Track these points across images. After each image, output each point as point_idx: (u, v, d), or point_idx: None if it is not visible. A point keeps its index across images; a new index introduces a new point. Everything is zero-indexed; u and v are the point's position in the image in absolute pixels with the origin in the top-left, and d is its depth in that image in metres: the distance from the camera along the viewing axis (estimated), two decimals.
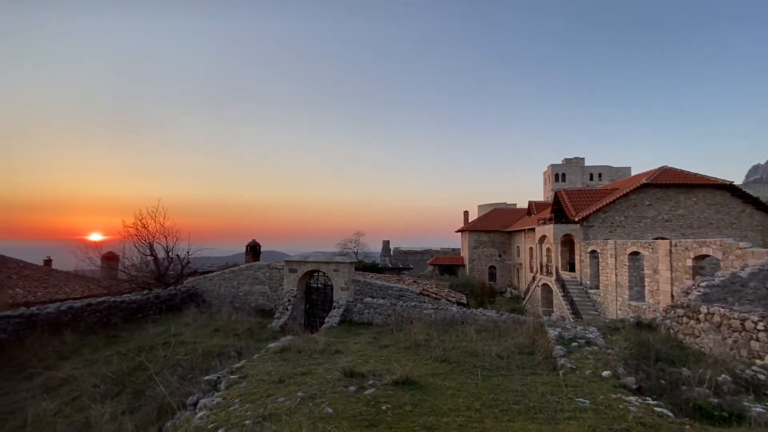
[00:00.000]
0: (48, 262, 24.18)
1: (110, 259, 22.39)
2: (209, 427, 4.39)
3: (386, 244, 40.32)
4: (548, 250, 24.42)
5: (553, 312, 20.40)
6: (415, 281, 14.14)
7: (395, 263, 36.23)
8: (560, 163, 63.69)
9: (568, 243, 23.40)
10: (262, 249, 19.58)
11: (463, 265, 37.31)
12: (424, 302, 10.96)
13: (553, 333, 7.58)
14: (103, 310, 12.24)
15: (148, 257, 18.47)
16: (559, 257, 22.82)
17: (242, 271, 14.76)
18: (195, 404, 5.83)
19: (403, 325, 9.89)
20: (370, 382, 5.75)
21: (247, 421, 4.40)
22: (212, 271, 18.42)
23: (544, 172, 66.99)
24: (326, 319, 11.48)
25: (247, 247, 19.20)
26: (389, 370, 6.25)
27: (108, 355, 9.43)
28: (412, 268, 35.84)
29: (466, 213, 40.21)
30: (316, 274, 13.07)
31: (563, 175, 61.98)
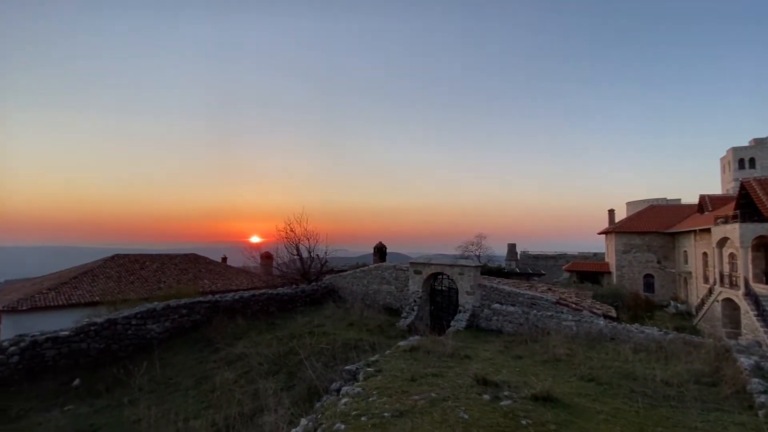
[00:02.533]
0: (224, 259, 29.90)
1: (267, 257, 26.58)
2: (353, 413, 4.75)
3: (512, 247, 37.74)
4: (732, 256, 19.46)
5: (741, 335, 16.13)
6: (549, 289, 12.91)
7: (523, 268, 33.71)
8: (747, 145, 48.87)
9: (761, 247, 18.24)
10: (387, 251, 20.62)
11: (609, 273, 32.40)
12: (562, 312, 9.88)
13: (746, 362, 5.97)
14: (264, 301, 14.54)
15: (295, 257, 21.30)
16: (750, 265, 17.93)
17: (371, 271, 15.76)
18: (338, 390, 6.42)
19: (538, 336, 9.14)
20: (506, 393, 5.45)
21: (385, 414, 4.63)
22: (345, 270, 20.20)
23: (722, 158, 52.40)
24: (452, 323, 11.37)
25: (374, 248, 20.49)
26: (526, 383, 5.83)
27: (268, 338, 11.14)
28: (544, 274, 32.79)
29: (611, 212, 34.74)
30: (440, 276, 13.10)
31: (751, 160, 47.39)
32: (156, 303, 12.54)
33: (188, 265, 24.91)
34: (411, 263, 13.38)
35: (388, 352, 7.96)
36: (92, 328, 10.46)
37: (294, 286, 17.54)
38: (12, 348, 9.15)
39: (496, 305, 11.00)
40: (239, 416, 6.68)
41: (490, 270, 24.11)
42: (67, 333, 9.97)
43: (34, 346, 9.42)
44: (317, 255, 21.23)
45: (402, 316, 12.73)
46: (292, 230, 21.09)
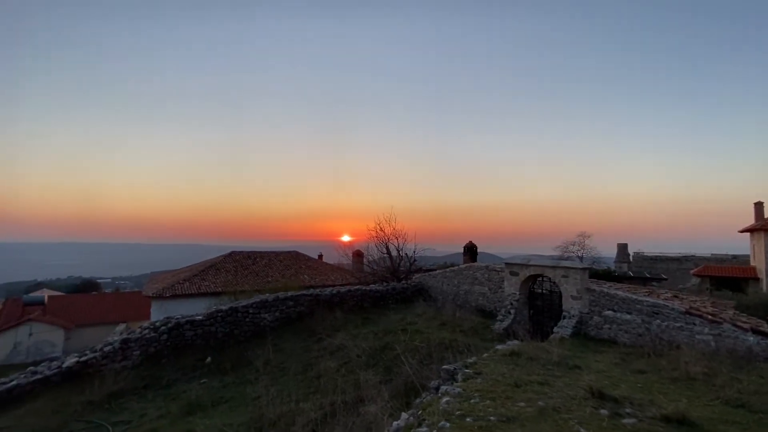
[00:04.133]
0: (320, 256, 32.12)
1: (358, 255, 27.86)
2: (456, 413, 4.70)
3: (623, 247, 33.26)
4: None
5: None
6: (675, 296, 11.17)
7: (638, 271, 29.56)
8: None
9: None
10: (477, 250, 20.02)
11: (756, 279, 26.68)
12: (695, 324, 8.44)
13: None
14: (358, 296, 15.25)
15: (384, 255, 21.92)
16: None
17: (462, 271, 15.43)
18: (436, 389, 6.43)
19: (663, 350, 7.98)
20: (627, 411, 4.87)
21: (491, 417, 4.49)
22: (434, 270, 20.12)
23: None
24: (554, 329, 10.54)
25: (464, 248, 20.05)
26: (653, 402, 5.15)
27: (365, 332, 11.64)
28: (665, 279, 28.38)
29: (758, 205, 28.23)
30: (539, 278, 12.25)
31: None
32: (267, 295, 14.02)
33: (290, 261, 27.30)
34: (506, 264, 12.76)
35: (485, 355, 7.73)
36: (219, 314, 12.13)
37: (384, 283, 18.03)
38: (162, 328, 11.09)
39: (609, 312, 9.88)
40: (343, 403, 7.08)
41: (596, 273, 21.67)
42: (201, 317, 11.74)
43: (178, 327, 11.28)
44: (406, 254, 21.52)
45: (497, 318, 12.22)
46: (381, 229, 21.76)
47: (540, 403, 5.03)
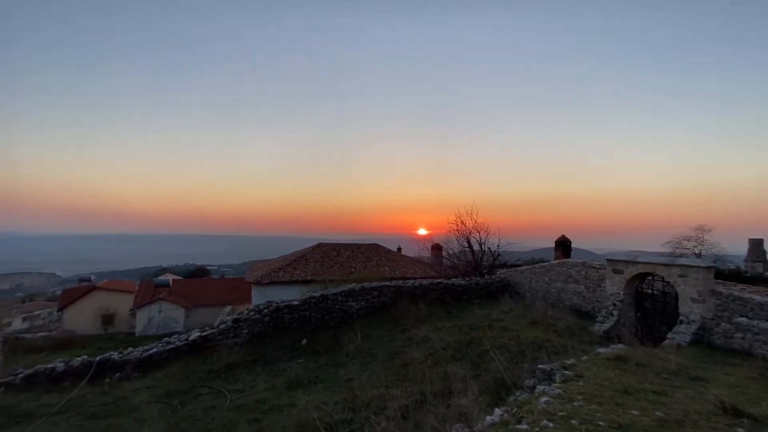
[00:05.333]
0: (399, 249, 32.64)
1: (437, 249, 27.70)
2: (559, 414, 4.47)
3: (756, 244, 27.67)
4: None
5: None
6: None
7: None
8: None
9: None
10: (571, 246, 18.49)
11: None
12: None
13: None
14: (440, 290, 15.21)
15: (466, 249, 21.48)
16: None
17: (553, 268, 14.44)
18: (532, 388, 6.16)
19: None
20: None
21: (600, 422, 4.19)
22: (519, 265, 19.14)
23: None
24: (668, 335, 9.33)
25: (556, 243, 18.69)
26: None
27: (449, 326, 11.59)
28: None
29: None
30: (649, 278, 10.92)
31: None
32: (353, 284, 14.71)
33: (371, 253, 28.20)
34: (608, 260, 11.59)
35: (585, 357, 7.20)
36: (312, 300, 13.09)
37: (466, 278, 17.70)
38: (265, 310, 12.35)
39: (742, 319, 8.41)
40: (432, 393, 7.16)
41: (722, 273, 18.47)
42: (297, 303, 12.81)
43: (278, 311, 12.46)
44: (489, 248, 20.85)
45: (597, 320, 11.21)
46: (462, 223, 21.34)
47: (658, 413, 4.55)
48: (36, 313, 51.01)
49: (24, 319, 47.59)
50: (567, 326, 10.95)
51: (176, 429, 7.18)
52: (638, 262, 10.72)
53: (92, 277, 50.15)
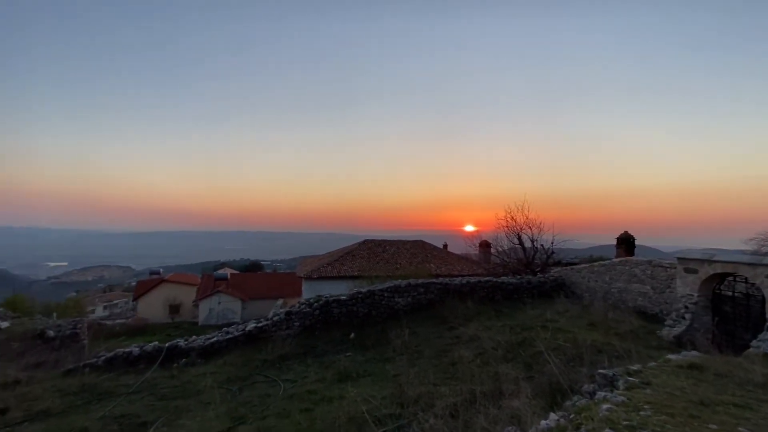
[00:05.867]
0: (445, 246, 32.20)
1: (485, 246, 26.95)
2: (623, 423, 4.15)
3: None
4: None
5: None
6: None
7: None
8: None
9: None
10: (635, 242, 17.07)
11: None
12: None
13: None
14: (489, 288, 14.79)
15: (516, 246, 20.68)
16: None
17: (615, 266, 13.45)
18: (591, 393, 5.78)
19: None
20: None
21: None
22: (576, 263, 18.06)
23: None
24: (753, 343, 8.31)
25: (617, 239, 17.40)
26: None
27: (499, 325, 11.24)
28: None
29: None
30: (729, 278, 9.81)
31: None
32: (399, 281, 14.74)
33: (417, 250, 28.10)
34: (680, 259, 10.57)
35: (653, 364, 6.62)
36: (359, 295, 13.31)
37: (517, 276, 17.04)
38: (315, 304, 12.76)
39: None
40: (482, 393, 6.98)
41: None
42: (345, 297, 13.09)
43: (327, 305, 12.81)
44: (541, 245, 19.89)
45: (665, 323, 10.29)
46: (512, 219, 20.56)
47: (741, 429, 4.06)
48: (115, 302, 56.88)
49: (105, 308, 53.26)
50: (630, 329, 10.17)
51: (236, 413, 7.63)
52: (716, 261, 9.65)
53: (161, 270, 54.87)
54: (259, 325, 12.14)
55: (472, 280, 15.09)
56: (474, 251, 28.17)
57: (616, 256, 16.15)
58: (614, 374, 6.02)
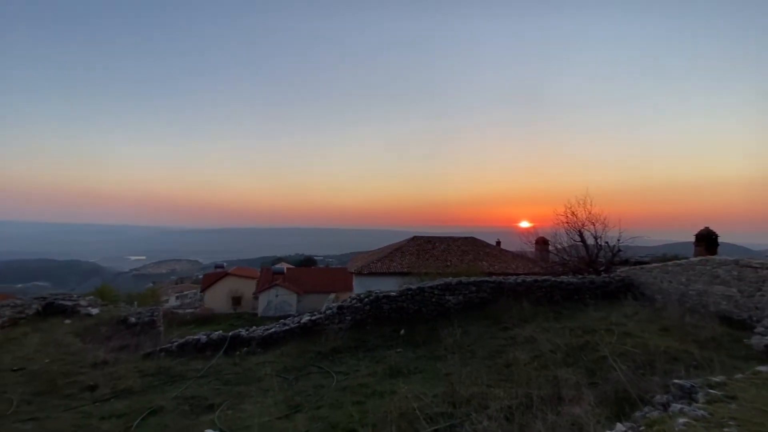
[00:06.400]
0: (498, 243, 31.12)
1: (542, 243, 25.66)
2: None
3: None
4: None
5: None
6: None
7: None
8: None
9: None
10: (718, 240, 15.21)
11: None
12: None
13: None
14: (547, 288, 14.04)
15: (577, 243, 19.41)
16: None
17: (693, 266, 12.11)
18: (664, 405, 5.29)
19: None
20: None
21: None
22: (646, 262, 16.56)
23: None
24: None
25: (697, 236, 15.64)
26: None
27: (558, 327, 10.63)
28: None
29: None
30: None
31: None
32: (451, 278, 14.49)
33: (468, 247, 27.46)
34: None
35: (740, 376, 5.89)
36: (409, 292, 13.29)
37: (579, 275, 16.01)
38: (365, 299, 12.96)
39: None
40: (539, 398, 6.65)
41: None
42: (395, 293, 13.15)
43: (377, 300, 12.96)
44: (606, 242, 18.48)
45: (756, 331, 9.07)
46: (573, 214, 19.31)
47: None
48: (185, 293, 62.17)
49: (177, 298, 58.38)
50: (712, 336, 9.14)
51: (292, 401, 7.98)
52: None
53: (224, 264, 58.97)
54: (313, 318, 12.58)
55: (528, 278, 14.42)
56: (530, 249, 26.93)
57: (695, 255, 14.50)
58: (693, 385, 5.45)
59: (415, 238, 28.30)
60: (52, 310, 15.54)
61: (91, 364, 10.50)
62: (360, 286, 21.40)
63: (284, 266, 48.27)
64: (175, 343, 11.90)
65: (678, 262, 12.97)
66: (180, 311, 37.92)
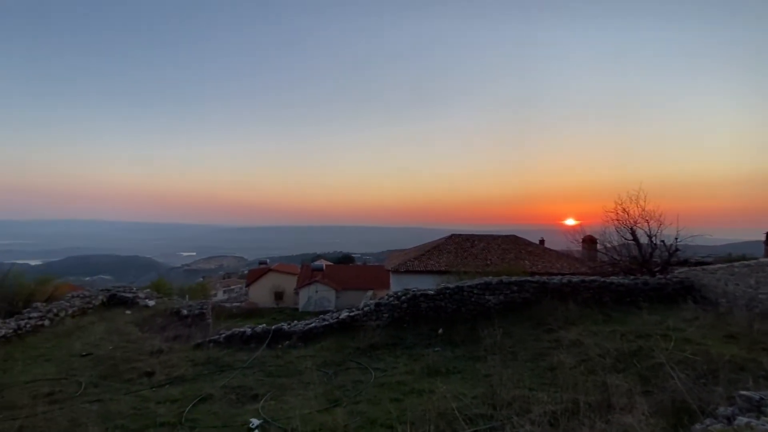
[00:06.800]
0: (542, 241, 29.93)
1: (590, 241, 24.33)
2: None
3: None
4: None
5: None
6: None
7: None
8: None
9: None
10: None
11: None
12: None
13: None
14: (595, 288, 13.31)
15: (629, 242, 18.21)
16: None
17: (763, 267, 10.96)
18: (728, 418, 4.84)
19: None
20: None
21: None
22: (709, 263, 15.23)
23: None
24: None
25: (767, 235, 14.18)
26: None
27: (607, 331, 10.05)
28: None
29: None
30: None
31: None
32: (491, 277, 14.12)
33: (509, 245, 26.64)
34: None
35: None
36: (447, 291, 13.12)
37: (630, 276, 15.02)
38: (403, 297, 12.95)
39: None
40: (586, 404, 6.31)
41: None
42: (432, 292, 13.03)
43: (414, 298, 12.91)
44: (662, 241, 17.17)
45: None
46: (625, 211, 18.11)
47: None
48: (231, 287, 65.48)
49: (224, 292, 61.61)
50: None
51: (332, 395, 8.15)
52: None
53: (267, 260, 61.31)
54: (352, 314, 12.76)
55: (575, 279, 13.74)
56: (576, 247, 25.61)
57: (765, 255, 13.11)
58: (762, 398, 4.95)
59: (453, 236, 27.88)
60: (114, 301, 16.98)
61: (148, 351, 11.36)
62: (397, 284, 21.42)
63: (323, 263, 49.39)
64: (223, 335, 12.54)
65: (746, 262, 11.79)
66: (227, 305, 39.92)
